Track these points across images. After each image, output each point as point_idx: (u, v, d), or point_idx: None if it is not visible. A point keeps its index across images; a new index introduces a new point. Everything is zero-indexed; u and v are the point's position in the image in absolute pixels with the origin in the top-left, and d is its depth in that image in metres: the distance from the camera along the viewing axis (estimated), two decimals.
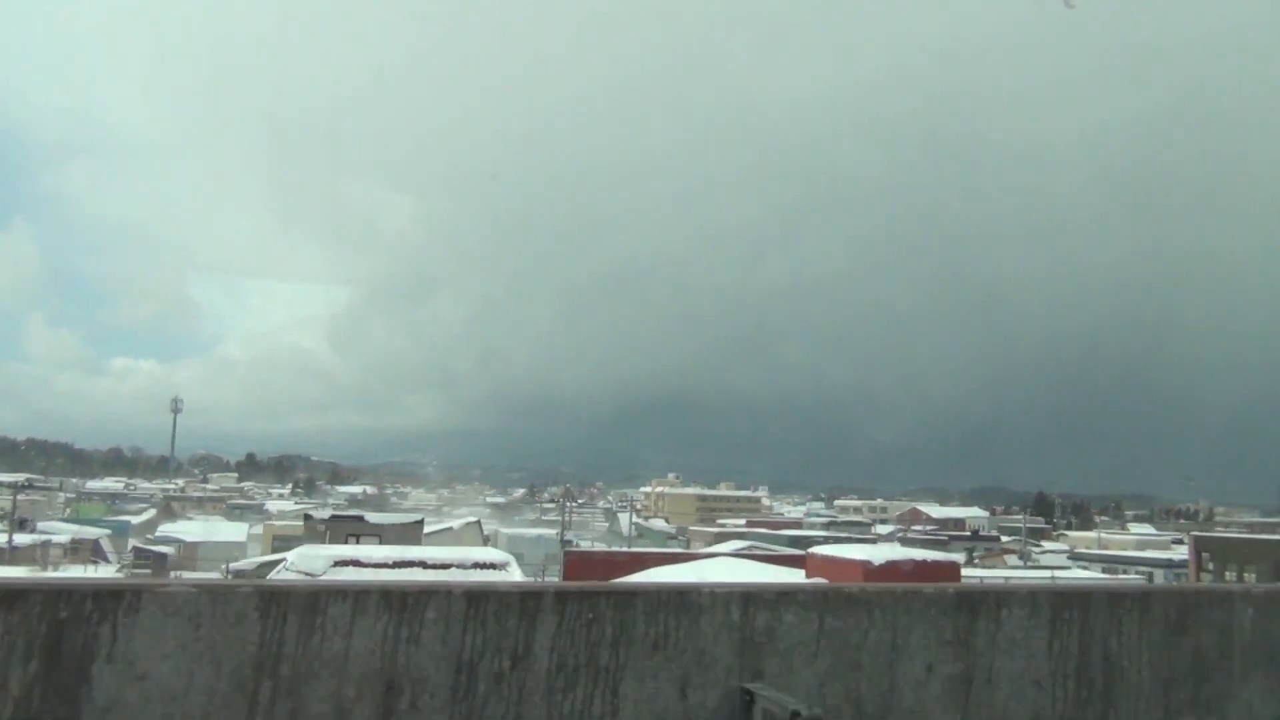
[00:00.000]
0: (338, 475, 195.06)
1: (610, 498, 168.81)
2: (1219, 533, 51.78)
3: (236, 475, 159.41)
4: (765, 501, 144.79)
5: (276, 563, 23.91)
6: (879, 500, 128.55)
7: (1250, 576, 40.16)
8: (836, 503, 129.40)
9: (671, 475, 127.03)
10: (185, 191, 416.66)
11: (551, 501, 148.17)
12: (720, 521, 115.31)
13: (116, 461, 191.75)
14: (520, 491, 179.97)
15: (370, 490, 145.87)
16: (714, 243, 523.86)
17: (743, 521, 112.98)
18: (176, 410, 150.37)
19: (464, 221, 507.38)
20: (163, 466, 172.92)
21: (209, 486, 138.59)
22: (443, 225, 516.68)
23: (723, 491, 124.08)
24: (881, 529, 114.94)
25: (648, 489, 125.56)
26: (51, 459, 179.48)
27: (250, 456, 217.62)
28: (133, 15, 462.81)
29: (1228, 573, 39.94)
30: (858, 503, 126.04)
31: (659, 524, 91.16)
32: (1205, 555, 41.31)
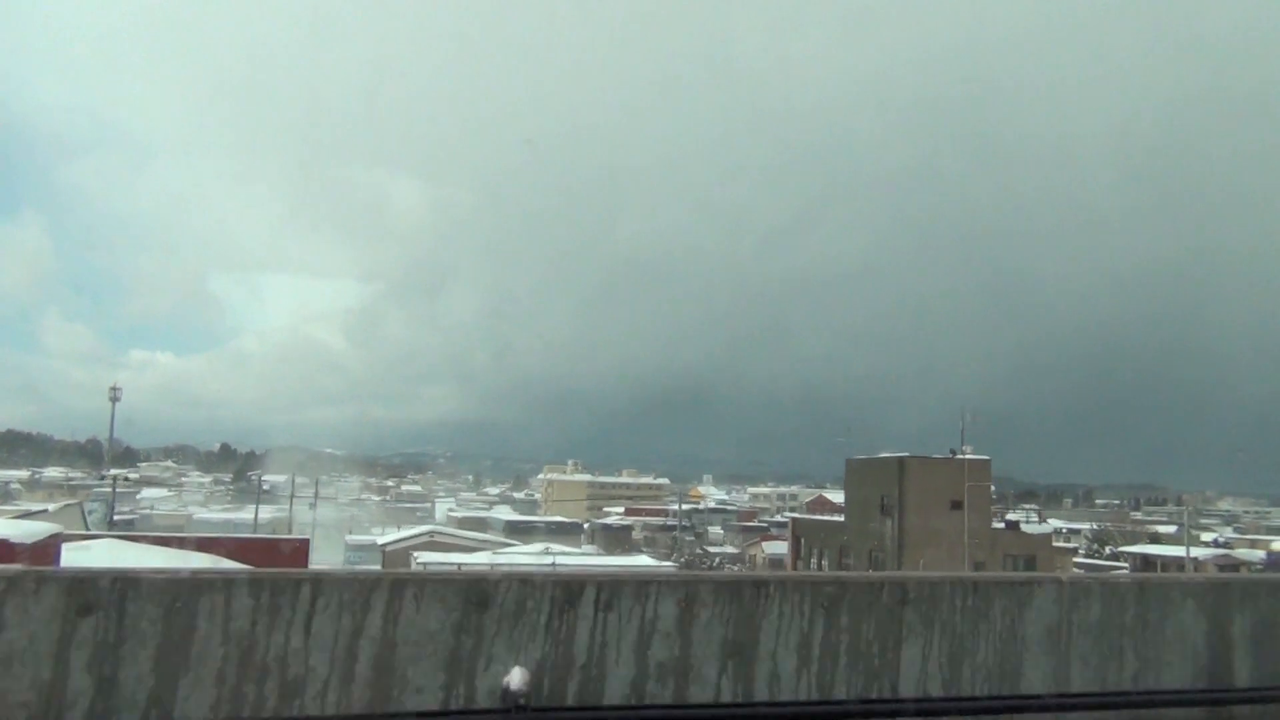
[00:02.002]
0: (305, 466, 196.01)
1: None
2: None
3: (172, 463, 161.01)
4: (701, 489, 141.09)
5: None
6: (794, 487, 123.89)
7: (826, 563, 36.04)
8: (750, 490, 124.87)
9: (571, 463, 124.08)
10: (203, 186, 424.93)
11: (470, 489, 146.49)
12: (606, 509, 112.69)
13: (85, 452, 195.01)
14: (471, 478, 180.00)
15: (296, 479, 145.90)
16: (735, 235, 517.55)
17: (622, 509, 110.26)
18: (115, 399, 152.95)
19: (483, 214, 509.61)
20: (130, 457, 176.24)
21: (132, 476, 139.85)
22: (461, 218, 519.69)
23: (621, 479, 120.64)
24: (783, 516, 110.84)
25: (540, 476, 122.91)
26: (15, 450, 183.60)
27: (225, 447, 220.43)
28: (148, 11, 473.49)
29: (813, 555, 35.81)
30: (768, 490, 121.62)
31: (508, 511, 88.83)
32: (801, 539, 37.07)
